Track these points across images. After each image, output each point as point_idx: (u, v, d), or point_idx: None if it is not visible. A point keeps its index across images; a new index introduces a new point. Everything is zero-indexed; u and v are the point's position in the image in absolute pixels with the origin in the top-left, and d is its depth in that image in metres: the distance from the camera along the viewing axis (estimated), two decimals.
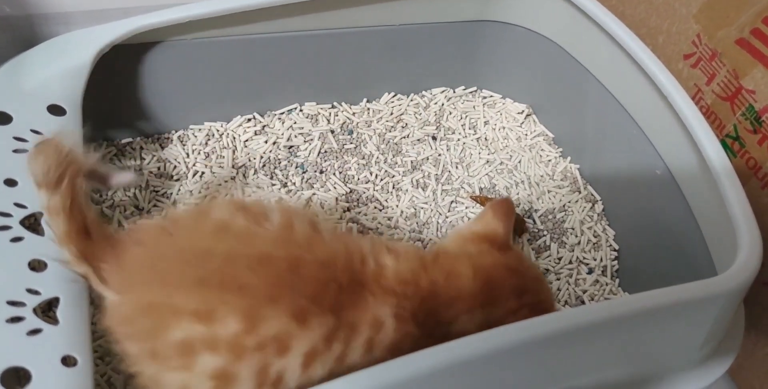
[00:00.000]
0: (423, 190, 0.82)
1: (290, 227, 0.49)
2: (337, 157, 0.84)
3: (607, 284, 0.76)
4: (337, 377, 0.43)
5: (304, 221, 0.51)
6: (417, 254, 0.54)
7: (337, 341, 0.46)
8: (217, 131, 0.83)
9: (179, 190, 0.76)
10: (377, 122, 0.89)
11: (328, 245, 0.50)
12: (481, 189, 0.84)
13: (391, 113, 0.90)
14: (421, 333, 0.49)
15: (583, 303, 0.74)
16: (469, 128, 0.91)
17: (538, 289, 0.57)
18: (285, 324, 0.44)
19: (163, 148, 0.81)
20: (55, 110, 0.64)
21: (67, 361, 0.47)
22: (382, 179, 0.82)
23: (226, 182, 0.78)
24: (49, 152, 0.48)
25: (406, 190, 0.82)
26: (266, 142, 0.83)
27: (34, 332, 0.48)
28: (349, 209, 0.78)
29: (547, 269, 0.76)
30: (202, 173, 0.79)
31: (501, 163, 0.87)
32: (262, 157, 0.81)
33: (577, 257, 0.78)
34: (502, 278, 0.55)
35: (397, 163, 0.85)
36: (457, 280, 0.53)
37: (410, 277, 0.51)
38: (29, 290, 0.50)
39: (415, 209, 0.80)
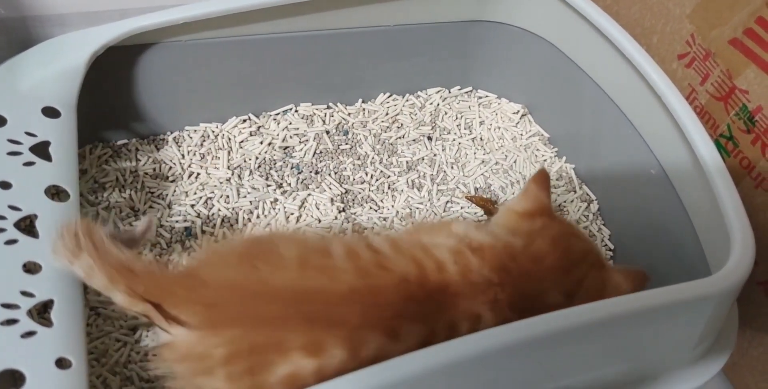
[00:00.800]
0: (418, 190, 0.83)
1: (356, 255, 0.52)
2: (332, 157, 0.84)
3: None
4: None
5: (362, 246, 0.53)
6: (495, 245, 0.57)
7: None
8: (213, 132, 0.83)
9: (175, 191, 0.76)
10: (372, 122, 0.89)
11: (395, 262, 0.52)
12: (476, 189, 0.84)
13: (387, 114, 0.90)
14: (518, 317, 0.50)
15: None
16: (465, 128, 0.91)
17: (592, 246, 0.62)
18: (381, 342, 0.47)
19: (158, 149, 0.81)
20: (50, 112, 0.64)
21: (62, 363, 0.47)
22: (377, 180, 0.82)
23: (221, 183, 0.78)
24: (66, 232, 0.48)
25: (402, 190, 0.82)
26: (261, 143, 0.83)
27: (29, 334, 0.48)
28: (344, 210, 0.78)
29: None
30: (198, 174, 0.79)
31: (496, 163, 0.87)
32: (257, 158, 0.81)
33: None
34: (571, 244, 0.60)
35: (392, 163, 0.85)
36: (542, 259, 0.57)
37: (499, 267, 0.54)
38: (24, 293, 0.50)
39: (411, 209, 0.80)
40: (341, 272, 0.50)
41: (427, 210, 0.81)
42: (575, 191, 0.85)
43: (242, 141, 0.83)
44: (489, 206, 0.81)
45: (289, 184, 0.80)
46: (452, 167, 0.86)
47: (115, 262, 0.48)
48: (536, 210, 0.62)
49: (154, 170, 0.78)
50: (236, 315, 0.47)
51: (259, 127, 0.85)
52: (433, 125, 0.90)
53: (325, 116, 0.88)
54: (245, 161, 0.81)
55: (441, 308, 0.50)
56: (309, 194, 0.78)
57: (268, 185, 0.78)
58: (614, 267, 0.60)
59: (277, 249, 0.51)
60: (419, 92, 0.94)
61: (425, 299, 0.50)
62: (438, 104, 0.92)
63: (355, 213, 0.78)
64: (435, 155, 0.87)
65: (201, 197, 0.76)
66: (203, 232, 0.73)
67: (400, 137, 0.88)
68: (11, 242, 0.52)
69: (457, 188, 0.84)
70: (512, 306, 0.52)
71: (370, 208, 0.79)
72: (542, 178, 0.65)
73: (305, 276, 0.49)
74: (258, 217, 0.75)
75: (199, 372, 0.47)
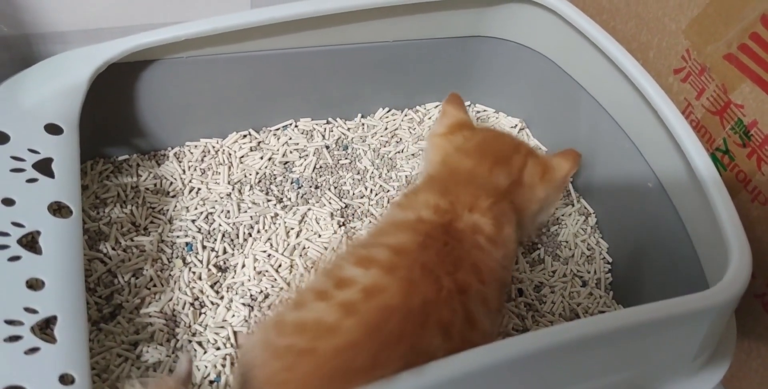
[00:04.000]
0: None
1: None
2: (332, 172, 0.84)
3: (601, 297, 0.76)
4: None
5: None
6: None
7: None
8: (213, 147, 0.84)
9: (176, 206, 0.77)
10: (372, 137, 0.89)
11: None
12: None
13: (386, 128, 0.91)
14: None
15: (577, 315, 0.74)
16: None
17: (521, 141, 0.70)
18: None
19: (159, 164, 0.81)
20: (53, 128, 0.64)
21: (65, 379, 0.47)
22: (377, 194, 0.83)
23: (222, 198, 0.78)
24: None
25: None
26: (262, 158, 0.83)
27: (32, 350, 0.48)
28: (344, 224, 0.78)
29: (542, 283, 0.77)
30: (198, 189, 0.79)
31: None
32: (257, 173, 0.82)
33: (572, 270, 0.79)
34: (499, 141, 0.68)
35: (391, 178, 0.85)
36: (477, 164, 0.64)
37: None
38: (27, 309, 0.50)
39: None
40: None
41: None
42: (573, 205, 0.85)
43: (243, 156, 0.83)
44: None
45: (289, 199, 0.80)
46: None
47: None
48: (457, 125, 0.69)
49: (155, 185, 0.78)
50: None
51: (259, 142, 0.85)
52: None
53: (325, 131, 0.88)
54: (246, 176, 0.81)
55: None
56: (309, 209, 0.79)
57: (269, 200, 0.79)
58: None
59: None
60: (418, 107, 0.94)
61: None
62: (437, 119, 0.93)
63: (354, 227, 0.78)
64: None
65: (202, 213, 0.76)
66: (204, 247, 0.73)
67: (399, 152, 0.88)
68: (14, 258, 0.53)
69: None
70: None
71: (370, 222, 0.80)
72: (455, 98, 0.72)
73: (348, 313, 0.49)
74: (258, 232, 0.76)
75: None
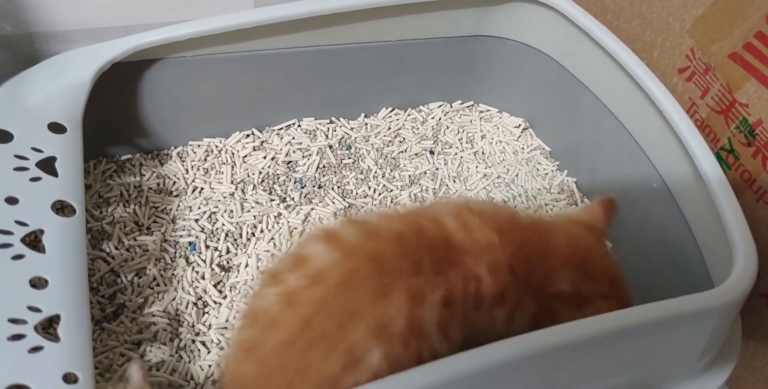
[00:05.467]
0: (421, 204, 0.83)
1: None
2: (335, 172, 0.84)
3: None
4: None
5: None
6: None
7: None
8: (216, 146, 0.83)
9: (179, 206, 0.77)
10: (375, 136, 0.89)
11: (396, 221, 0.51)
12: None
13: (389, 128, 0.90)
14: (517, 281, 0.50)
15: None
16: (467, 142, 0.91)
17: (625, 288, 0.59)
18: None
19: (162, 164, 0.81)
20: (56, 127, 0.64)
21: (68, 378, 0.47)
22: (380, 194, 0.83)
23: (225, 197, 0.78)
24: None
25: (404, 204, 0.82)
26: (265, 157, 0.83)
27: (36, 349, 0.48)
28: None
29: None
30: (202, 188, 0.79)
31: (498, 176, 0.88)
32: (260, 172, 0.81)
33: None
34: (596, 259, 0.57)
35: (395, 177, 0.85)
36: (551, 241, 0.55)
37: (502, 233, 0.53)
38: (30, 308, 0.50)
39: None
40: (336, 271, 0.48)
41: None
42: (577, 205, 0.85)
43: (246, 156, 0.83)
44: None
45: (293, 198, 0.80)
46: (454, 181, 0.86)
47: None
48: (588, 224, 0.60)
49: (158, 184, 0.78)
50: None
51: (262, 142, 0.85)
52: (435, 139, 0.91)
53: (328, 130, 0.88)
54: (249, 176, 0.81)
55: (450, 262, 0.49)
56: (312, 209, 0.79)
57: (272, 200, 0.79)
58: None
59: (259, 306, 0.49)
60: (421, 107, 0.94)
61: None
62: (440, 118, 0.93)
63: None
64: (437, 169, 0.87)
65: (205, 212, 0.76)
66: (207, 247, 0.73)
67: (402, 151, 0.88)
68: (18, 257, 0.53)
69: None
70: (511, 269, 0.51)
71: None
72: (610, 205, 0.62)
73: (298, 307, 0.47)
74: (262, 231, 0.75)
75: None
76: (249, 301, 0.52)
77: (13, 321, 0.49)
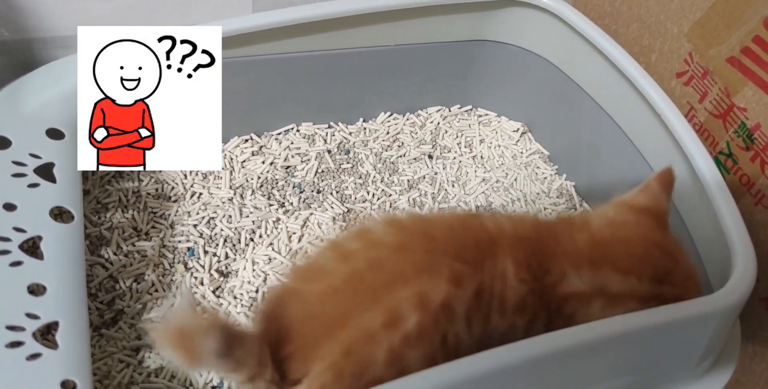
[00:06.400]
0: (420, 209, 0.83)
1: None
2: (334, 177, 0.84)
3: None
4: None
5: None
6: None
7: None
8: None
9: (177, 211, 0.77)
10: (374, 141, 0.89)
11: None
12: (477, 207, 0.84)
13: (388, 133, 0.90)
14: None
15: None
16: (465, 147, 0.91)
17: (686, 285, 0.53)
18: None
19: (160, 170, 0.81)
20: (54, 133, 0.64)
21: (67, 385, 0.47)
22: (379, 199, 0.83)
23: (223, 203, 0.78)
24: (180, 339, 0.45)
25: (403, 209, 0.82)
26: (263, 162, 0.83)
27: (34, 356, 0.48)
28: (346, 228, 0.78)
29: None
30: (200, 194, 0.79)
31: (497, 181, 0.88)
32: (259, 177, 0.81)
33: None
34: (646, 254, 0.52)
35: (393, 182, 0.85)
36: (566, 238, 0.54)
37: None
38: (28, 315, 0.50)
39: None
40: (382, 244, 0.51)
41: None
42: (576, 209, 0.85)
43: (244, 161, 0.83)
44: None
45: (291, 203, 0.80)
46: (453, 186, 0.86)
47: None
48: (648, 210, 0.55)
49: (157, 190, 0.78)
50: (316, 340, 0.47)
51: (261, 146, 0.85)
52: (434, 143, 0.91)
53: (327, 135, 0.88)
54: (247, 181, 0.81)
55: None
56: (311, 214, 0.79)
57: (271, 205, 0.79)
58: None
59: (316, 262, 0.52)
60: (419, 111, 0.94)
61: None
62: (438, 123, 0.93)
63: None
64: (436, 174, 0.87)
65: (203, 217, 0.76)
66: (206, 252, 0.73)
67: (401, 156, 0.88)
68: (16, 263, 0.53)
69: (459, 206, 0.84)
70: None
71: None
72: (667, 177, 0.58)
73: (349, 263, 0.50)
74: (260, 236, 0.75)
75: None
76: (302, 261, 0.56)
77: (11, 328, 0.49)
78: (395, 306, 0.46)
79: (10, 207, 0.56)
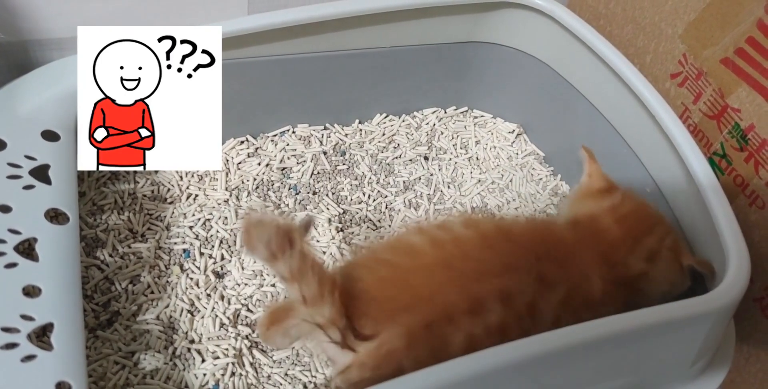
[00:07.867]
0: (416, 210, 0.83)
1: (474, 223, 0.57)
2: (329, 178, 0.84)
3: None
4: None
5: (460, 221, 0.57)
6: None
7: None
8: None
9: (173, 213, 0.77)
10: (369, 142, 0.89)
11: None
12: (473, 208, 0.84)
13: (383, 134, 0.91)
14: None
15: None
16: (461, 148, 0.91)
17: (668, 226, 0.64)
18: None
19: (156, 171, 0.81)
20: (50, 135, 0.64)
21: (62, 387, 0.47)
22: (374, 200, 0.83)
23: (219, 204, 0.78)
24: (275, 232, 0.46)
25: (399, 210, 0.82)
26: (259, 164, 0.83)
27: (29, 358, 0.48)
28: (342, 230, 0.78)
29: None
30: (196, 195, 0.79)
31: (492, 182, 0.88)
32: (255, 179, 0.81)
33: None
34: (645, 214, 0.64)
35: (389, 183, 0.85)
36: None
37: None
38: (23, 316, 0.50)
39: (408, 229, 0.81)
40: (467, 239, 0.54)
41: None
42: None
43: (240, 162, 0.83)
44: None
45: (287, 205, 0.80)
46: (449, 187, 0.86)
47: (328, 279, 0.48)
48: (610, 184, 0.67)
49: (153, 192, 0.78)
50: (398, 306, 0.49)
51: (256, 148, 0.85)
52: (430, 144, 0.91)
53: (323, 136, 0.88)
54: (243, 183, 0.81)
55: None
56: (307, 215, 0.79)
57: (267, 206, 0.79)
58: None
59: (406, 239, 0.55)
60: (415, 113, 0.94)
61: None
62: (434, 124, 0.93)
63: (352, 233, 0.78)
64: (431, 175, 0.87)
65: (199, 219, 0.76)
66: (201, 254, 0.73)
67: (396, 157, 0.88)
68: (11, 265, 0.53)
69: (454, 207, 0.84)
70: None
71: (368, 227, 0.80)
72: (589, 152, 0.70)
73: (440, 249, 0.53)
74: None
75: (390, 373, 0.47)
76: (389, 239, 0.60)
77: (6, 329, 0.49)
78: (481, 297, 0.49)
79: (5, 209, 0.56)
